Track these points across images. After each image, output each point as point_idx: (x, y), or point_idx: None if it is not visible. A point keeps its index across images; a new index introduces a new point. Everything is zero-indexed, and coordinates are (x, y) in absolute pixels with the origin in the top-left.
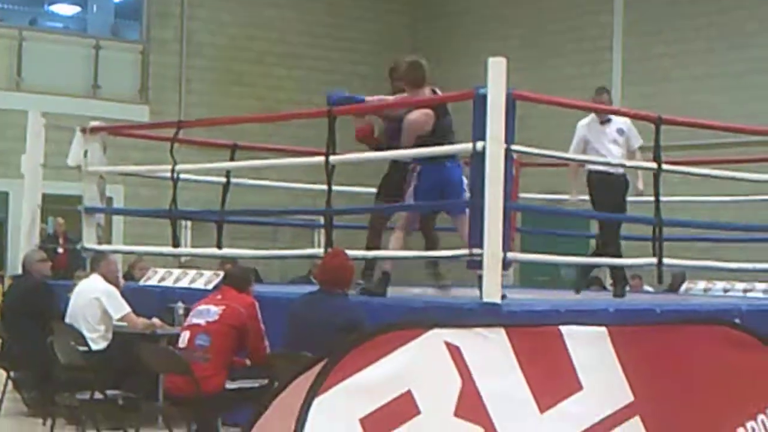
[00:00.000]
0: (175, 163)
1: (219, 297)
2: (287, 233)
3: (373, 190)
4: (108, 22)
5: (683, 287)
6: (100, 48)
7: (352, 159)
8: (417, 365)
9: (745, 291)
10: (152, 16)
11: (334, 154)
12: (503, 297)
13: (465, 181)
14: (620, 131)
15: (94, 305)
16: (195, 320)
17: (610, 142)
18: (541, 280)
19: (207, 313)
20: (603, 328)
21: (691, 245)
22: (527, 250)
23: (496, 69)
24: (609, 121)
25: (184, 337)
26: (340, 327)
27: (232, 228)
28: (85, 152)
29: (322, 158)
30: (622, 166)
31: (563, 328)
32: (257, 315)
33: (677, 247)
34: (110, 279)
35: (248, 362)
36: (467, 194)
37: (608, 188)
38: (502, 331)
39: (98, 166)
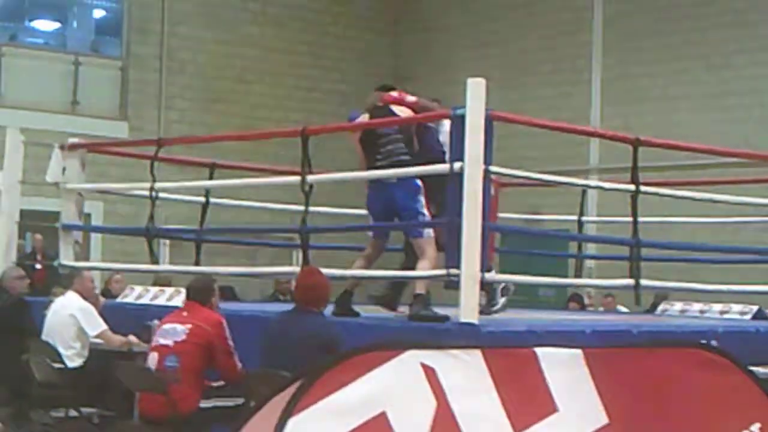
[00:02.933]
0: (155, 181)
1: (184, 314)
2: (267, 252)
3: (354, 210)
4: (88, 39)
5: (660, 308)
6: (80, 64)
7: (327, 179)
8: (392, 387)
9: (722, 312)
10: (133, 32)
11: (311, 173)
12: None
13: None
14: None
15: (70, 322)
16: (162, 341)
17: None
18: (519, 300)
19: (173, 332)
20: (579, 350)
21: (669, 266)
22: (506, 271)
23: (476, 90)
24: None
25: (153, 358)
26: (316, 346)
27: (211, 246)
28: (64, 169)
29: (298, 177)
30: (601, 188)
31: (539, 350)
32: (225, 333)
33: (653, 267)
34: (86, 296)
35: (215, 384)
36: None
37: None
38: (478, 352)
39: (76, 183)
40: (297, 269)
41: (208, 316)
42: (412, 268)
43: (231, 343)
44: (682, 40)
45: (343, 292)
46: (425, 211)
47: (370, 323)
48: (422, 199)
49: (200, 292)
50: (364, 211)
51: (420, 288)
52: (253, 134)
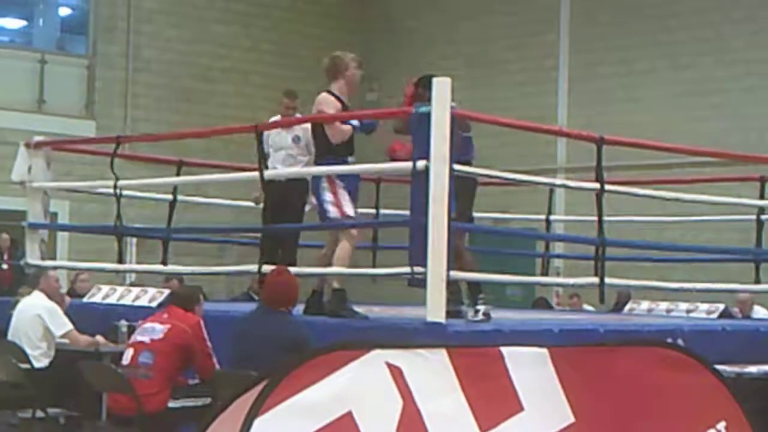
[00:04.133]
0: (117, 179)
1: (165, 316)
2: (234, 251)
3: None
4: (54, 37)
5: (627, 307)
6: (46, 62)
7: (286, 174)
8: (358, 386)
9: (689, 311)
10: (99, 30)
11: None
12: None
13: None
14: (297, 138)
15: (36, 322)
16: (139, 338)
17: (277, 150)
18: (487, 299)
19: (152, 331)
20: (544, 350)
21: (635, 265)
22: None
23: (441, 89)
24: (290, 127)
25: (128, 354)
26: (284, 346)
27: (178, 245)
28: (30, 167)
29: (256, 173)
30: (566, 186)
31: (504, 350)
32: (203, 334)
33: (621, 266)
34: (52, 295)
35: (190, 381)
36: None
37: (271, 197)
38: (443, 351)
39: (42, 181)
40: (255, 267)
41: (187, 316)
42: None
43: (209, 343)
44: (648, 40)
45: (313, 292)
46: (328, 196)
47: (337, 322)
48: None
49: (184, 298)
50: None
51: (338, 283)
52: (211, 131)
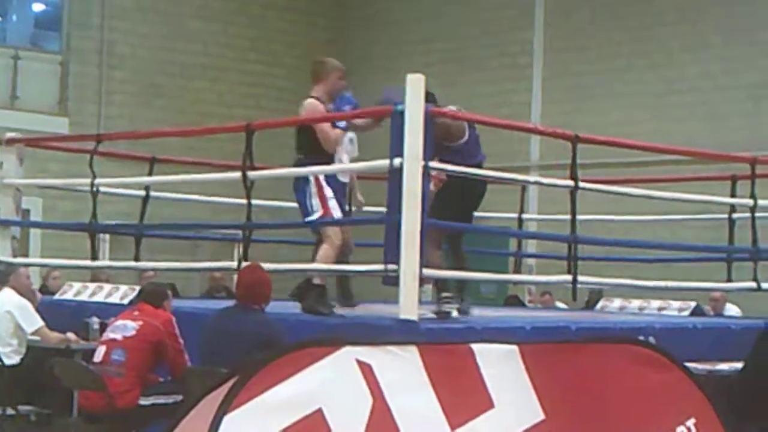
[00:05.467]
0: (95, 177)
1: (136, 313)
2: (208, 248)
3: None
4: (27, 33)
5: (599, 305)
6: (19, 58)
7: (268, 175)
8: (328, 383)
9: (660, 309)
10: (72, 26)
11: (252, 168)
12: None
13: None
14: (351, 140)
15: (6, 319)
16: (111, 335)
17: (345, 152)
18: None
19: (124, 328)
20: (514, 347)
21: (608, 264)
22: (448, 267)
23: (415, 86)
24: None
25: (100, 351)
26: (257, 343)
27: (152, 242)
28: (1, 164)
29: (239, 173)
30: (540, 183)
31: (475, 346)
32: (175, 330)
33: (593, 265)
34: (22, 292)
35: (161, 379)
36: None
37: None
38: (414, 349)
39: (15, 178)
40: (234, 264)
41: (158, 313)
42: None
43: (181, 340)
44: (624, 38)
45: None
46: (314, 200)
47: (309, 319)
48: (311, 188)
49: (153, 295)
50: None
51: (318, 278)
52: (197, 130)
